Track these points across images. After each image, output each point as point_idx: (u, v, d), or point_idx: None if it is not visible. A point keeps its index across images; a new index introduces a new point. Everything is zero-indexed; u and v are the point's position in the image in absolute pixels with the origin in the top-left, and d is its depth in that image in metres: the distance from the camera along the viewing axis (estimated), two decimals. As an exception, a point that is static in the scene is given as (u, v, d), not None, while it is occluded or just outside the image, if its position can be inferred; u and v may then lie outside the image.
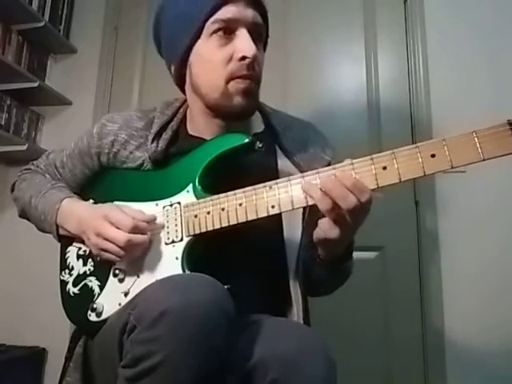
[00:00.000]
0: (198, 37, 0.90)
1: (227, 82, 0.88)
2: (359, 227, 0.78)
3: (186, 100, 1.02)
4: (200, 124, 0.98)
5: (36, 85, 2.05)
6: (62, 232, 0.96)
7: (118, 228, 0.84)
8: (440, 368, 1.71)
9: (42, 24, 2.09)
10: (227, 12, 0.87)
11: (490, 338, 1.69)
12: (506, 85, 1.84)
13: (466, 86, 1.88)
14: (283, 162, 0.98)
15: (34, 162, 1.11)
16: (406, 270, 1.83)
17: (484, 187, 1.74)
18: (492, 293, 1.72)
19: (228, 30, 0.87)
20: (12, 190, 1.10)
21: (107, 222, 0.85)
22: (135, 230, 0.83)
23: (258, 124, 1.03)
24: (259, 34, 0.92)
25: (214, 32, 0.88)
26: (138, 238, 0.84)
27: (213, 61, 0.88)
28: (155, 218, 0.88)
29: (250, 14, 0.88)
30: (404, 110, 1.94)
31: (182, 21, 0.91)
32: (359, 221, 0.76)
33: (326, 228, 0.78)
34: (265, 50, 0.99)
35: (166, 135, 0.97)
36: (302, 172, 0.91)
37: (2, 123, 2.01)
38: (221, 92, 0.89)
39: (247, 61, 0.86)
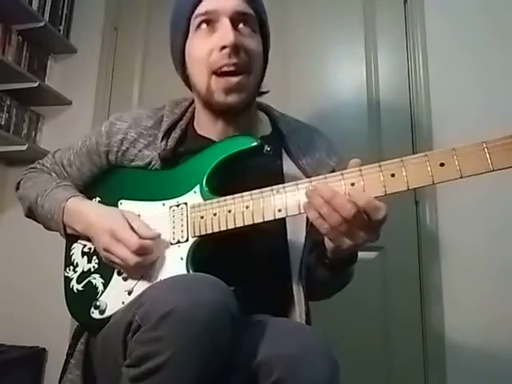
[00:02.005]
0: (187, 35, 0.92)
1: (210, 76, 0.89)
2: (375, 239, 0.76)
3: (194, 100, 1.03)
4: (204, 123, 0.99)
5: (36, 85, 2.05)
6: (69, 231, 0.97)
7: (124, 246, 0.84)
8: (440, 368, 1.72)
9: (42, 24, 2.09)
10: (207, 5, 0.89)
11: (491, 337, 1.69)
12: (505, 85, 1.84)
13: (466, 86, 1.88)
14: (289, 166, 0.98)
15: (40, 161, 1.11)
16: (405, 269, 1.82)
17: (484, 187, 1.74)
18: (492, 292, 1.72)
19: (210, 22, 0.89)
20: (17, 188, 1.10)
21: (114, 239, 0.85)
22: (141, 250, 0.84)
23: (265, 127, 1.03)
24: (245, 22, 0.91)
25: (198, 27, 0.90)
26: (147, 259, 0.85)
27: (199, 55, 0.90)
28: (159, 235, 0.88)
29: (230, 3, 0.88)
30: (404, 109, 1.95)
31: (175, 24, 0.95)
32: (375, 234, 0.75)
33: (336, 242, 0.76)
34: (267, 43, 0.98)
35: (175, 134, 0.97)
36: (307, 176, 0.92)
37: (2, 123, 2.01)
38: (205, 87, 0.90)
39: (227, 50, 0.86)
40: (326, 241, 0.80)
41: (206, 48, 0.88)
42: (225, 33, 0.86)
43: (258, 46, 0.93)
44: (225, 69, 0.87)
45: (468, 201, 1.79)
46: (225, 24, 0.87)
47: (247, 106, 0.94)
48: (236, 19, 0.89)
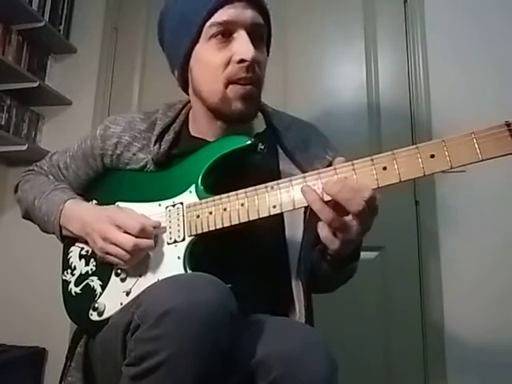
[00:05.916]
0: (197, 41, 0.89)
1: (226, 86, 0.87)
2: (367, 232, 0.77)
3: (188, 102, 1.03)
4: (203, 125, 0.98)
5: (36, 85, 2.05)
6: (65, 233, 0.97)
7: (124, 231, 0.84)
8: (440, 367, 1.72)
9: (42, 24, 2.09)
10: (224, 14, 0.85)
11: (490, 337, 1.69)
12: (506, 85, 1.84)
13: (466, 86, 1.88)
14: (285, 162, 0.98)
15: (38, 164, 1.12)
16: (406, 270, 1.83)
17: (484, 187, 1.74)
18: (492, 292, 1.72)
19: (226, 32, 0.86)
20: (15, 191, 1.10)
21: (113, 225, 0.86)
22: (142, 233, 0.84)
23: (259, 124, 1.03)
24: (260, 35, 0.90)
25: (212, 36, 0.86)
26: (145, 242, 0.84)
27: (211, 65, 0.87)
28: (160, 224, 0.88)
29: (248, 15, 0.86)
30: (404, 110, 1.95)
31: (181, 25, 0.91)
32: (367, 223, 0.75)
33: (328, 242, 0.77)
34: (268, 52, 0.97)
35: (169, 137, 0.97)
36: (303, 172, 0.91)
37: (2, 123, 2.01)
38: (220, 97, 0.88)
39: (246, 63, 0.85)
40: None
41: (221, 58, 0.86)
42: (244, 47, 0.84)
43: (265, 59, 0.94)
44: (242, 82, 0.87)
45: (468, 200, 1.79)
46: (243, 36, 0.85)
47: (255, 117, 0.95)
48: (252, 31, 0.87)
